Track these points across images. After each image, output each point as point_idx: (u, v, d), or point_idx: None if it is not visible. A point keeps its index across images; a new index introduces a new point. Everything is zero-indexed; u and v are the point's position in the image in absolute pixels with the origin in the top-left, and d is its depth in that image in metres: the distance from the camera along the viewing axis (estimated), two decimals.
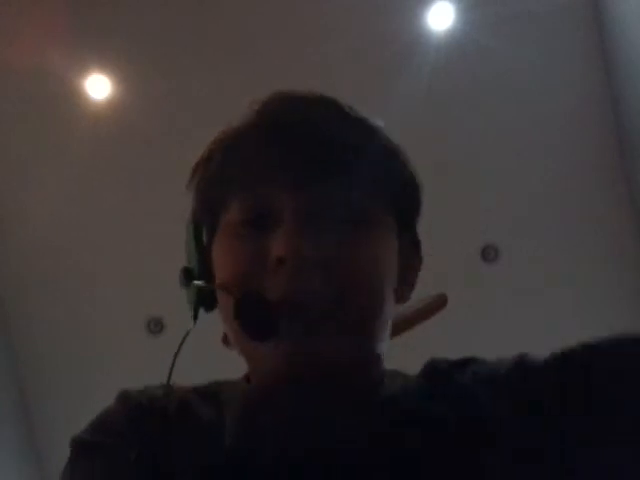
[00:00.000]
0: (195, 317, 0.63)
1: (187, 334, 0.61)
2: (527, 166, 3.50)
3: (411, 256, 0.65)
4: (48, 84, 3.25)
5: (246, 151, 0.60)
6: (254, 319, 0.55)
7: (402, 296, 0.64)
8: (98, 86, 3.30)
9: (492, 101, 3.43)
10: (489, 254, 3.59)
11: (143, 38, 3.31)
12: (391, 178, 0.62)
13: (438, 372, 0.65)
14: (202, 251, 0.63)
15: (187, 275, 0.63)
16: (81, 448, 0.64)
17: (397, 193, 0.62)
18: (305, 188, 0.56)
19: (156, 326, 3.56)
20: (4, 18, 3.14)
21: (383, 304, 0.59)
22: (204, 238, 0.64)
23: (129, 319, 3.54)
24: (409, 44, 3.28)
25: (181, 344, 0.61)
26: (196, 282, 0.62)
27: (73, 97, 3.30)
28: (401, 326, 2.98)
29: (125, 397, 0.66)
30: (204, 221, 0.63)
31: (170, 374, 0.61)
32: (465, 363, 0.66)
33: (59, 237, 3.48)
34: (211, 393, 0.65)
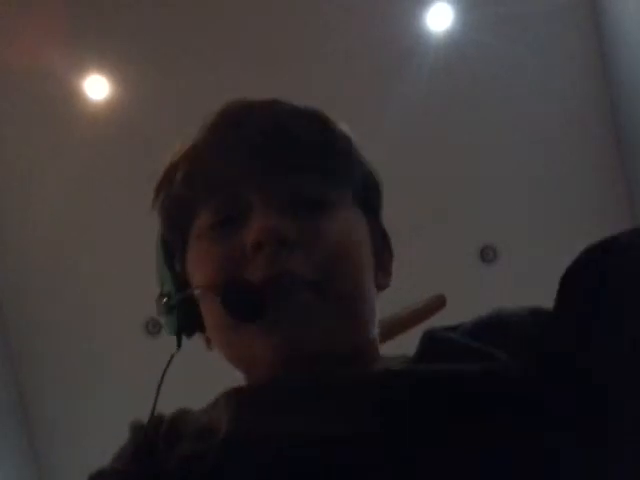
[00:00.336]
0: (179, 342, 0.64)
1: (171, 359, 0.62)
2: (526, 166, 3.50)
3: (383, 244, 0.66)
4: (47, 85, 3.25)
5: (206, 160, 0.61)
6: (242, 302, 0.55)
7: (380, 282, 0.63)
8: (96, 87, 3.30)
9: (491, 102, 3.43)
10: (488, 255, 3.59)
11: (142, 39, 3.31)
12: (351, 167, 0.63)
13: (437, 339, 0.64)
14: (175, 270, 0.63)
15: (164, 299, 0.64)
16: (95, 476, 0.67)
17: (357, 182, 0.62)
18: (269, 182, 0.57)
19: (154, 327, 3.56)
20: (4, 19, 3.14)
21: (364, 282, 0.59)
22: (174, 256, 0.64)
23: (128, 320, 3.54)
24: (408, 45, 3.28)
25: (166, 369, 0.62)
26: (176, 296, 0.62)
27: (72, 98, 3.30)
28: (399, 327, 2.98)
29: (132, 427, 0.69)
30: (173, 239, 0.63)
31: (158, 392, 0.61)
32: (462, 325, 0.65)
33: (58, 237, 3.48)
34: (205, 408, 0.64)
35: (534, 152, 3.49)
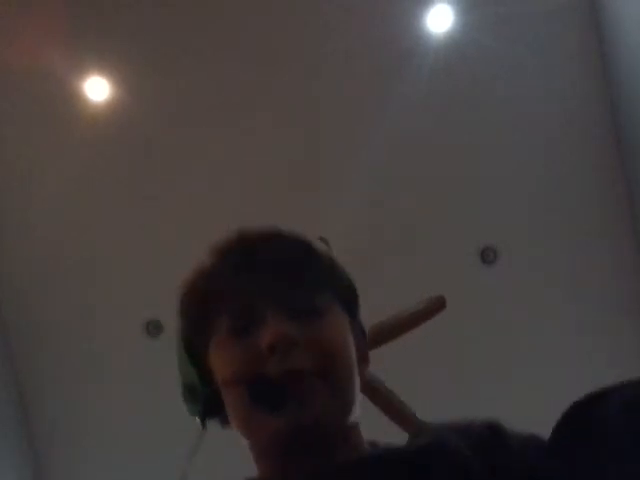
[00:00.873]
0: (204, 425, 0.77)
1: (199, 439, 0.74)
2: (526, 166, 3.51)
3: (362, 339, 0.83)
4: (47, 86, 3.26)
5: (226, 279, 0.77)
6: (266, 394, 0.70)
7: (362, 370, 0.79)
8: (97, 88, 3.30)
9: (491, 102, 3.43)
10: (488, 256, 3.59)
11: (142, 39, 3.31)
12: (335, 280, 0.80)
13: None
14: (197, 365, 0.77)
15: (190, 390, 0.78)
16: None
17: (341, 291, 0.80)
18: (276, 296, 0.74)
19: (155, 328, 3.56)
20: (4, 19, 3.14)
21: (354, 373, 0.76)
22: (196, 353, 0.78)
23: (128, 321, 3.54)
24: (409, 46, 3.28)
25: (195, 448, 0.73)
26: (202, 389, 0.76)
27: (72, 99, 3.31)
28: (400, 329, 2.98)
29: None
30: (195, 338, 0.78)
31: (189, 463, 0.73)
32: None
33: (58, 237, 3.48)
34: None
35: (534, 152, 3.49)
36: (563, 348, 3.52)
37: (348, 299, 0.81)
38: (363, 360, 0.80)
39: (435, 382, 3.52)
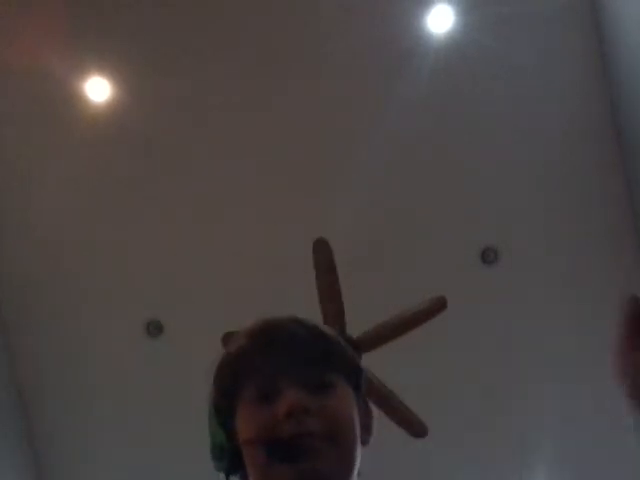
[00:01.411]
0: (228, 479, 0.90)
1: None
2: (527, 167, 3.51)
3: (365, 411, 0.95)
4: (48, 86, 3.26)
5: (252, 358, 0.91)
6: (280, 453, 0.84)
7: (364, 439, 0.92)
8: (98, 89, 3.30)
9: (491, 102, 3.43)
10: (489, 256, 3.59)
11: (142, 40, 3.31)
12: (342, 360, 0.95)
13: None
14: (225, 427, 0.91)
15: (218, 449, 0.92)
16: None
17: (347, 369, 0.94)
18: (293, 373, 0.89)
19: (155, 328, 3.56)
20: (4, 19, 3.14)
21: (357, 440, 0.88)
22: (224, 417, 0.92)
23: (128, 321, 3.54)
24: (409, 46, 3.28)
25: None
26: (229, 448, 0.89)
27: (73, 99, 3.31)
28: (401, 329, 2.98)
29: None
30: (224, 405, 0.92)
31: None
32: None
33: (58, 238, 3.48)
34: None
35: (534, 152, 3.49)
36: (563, 348, 3.52)
37: (353, 376, 0.96)
38: (366, 430, 0.94)
39: (435, 382, 3.52)
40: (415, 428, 2.96)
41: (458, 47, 3.28)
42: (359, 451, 0.90)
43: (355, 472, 0.89)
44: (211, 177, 3.43)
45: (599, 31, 3.36)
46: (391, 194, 3.50)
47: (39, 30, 3.07)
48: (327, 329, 1.00)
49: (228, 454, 0.91)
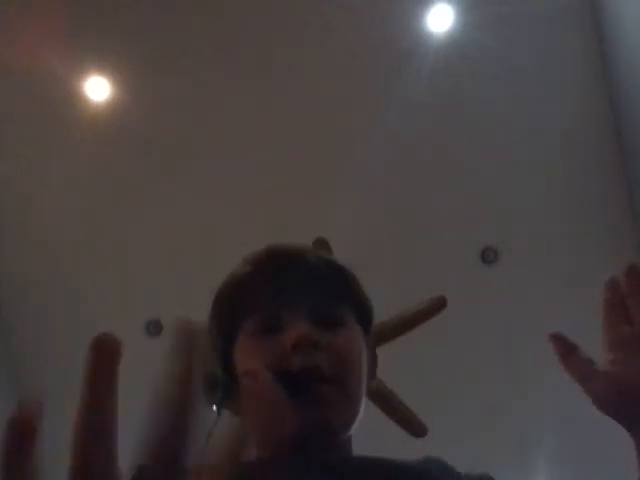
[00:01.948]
0: (220, 413, 0.83)
1: (215, 424, 0.74)
2: (527, 167, 3.51)
3: (372, 355, 0.91)
4: (48, 86, 3.26)
5: (257, 286, 0.85)
6: (285, 385, 0.78)
7: (369, 383, 0.87)
8: (97, 88, 3.30)
9: (491, 102, 3.43)
10: (489, 256, 3.59)
11: (142, 40, 3.31)
12: (355, 297, 0.89)
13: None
14: (220, 356, 0.85)
15: (211, 379, 0.85)
16: None
17: (360, 308, 0.89)
18: (303, 305, 0.83)
19: (155, 328, 3.56)
20: (4, 19, 3.14)
21: (363, 382, 0.84)
22: (222, 346, 0.86)
23: (128, 321, 3.54)
24: (409, 46, 3.28)
25: (210, 433, 0.72)
26: (223, 379, 0.83)
27: (73, 99, 3.31)
28: (400, 328, 2.98)
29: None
30: (223, 334, 0.86)
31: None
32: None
33: (58, 238, 3.48)
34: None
35: (534, 152, 3.49)
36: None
37: (365, 316, 0.90)
38: (371, 375, 0.89)
39: (435, 382, 3.52)
40: (415, 428, 2.96)
41: (458, 47, 3.28)
42: (363, 398, 0.84)
43: (356, 422, 0.83)
44: (211, 177, 3.43)
45: (599, 31, 3.36)
46: (391, 194, 3.50)
47: (38, 30, 3.07)
48: (342, 260, 0.92)
49: (222, 386, 0.84)
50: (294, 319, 0.81)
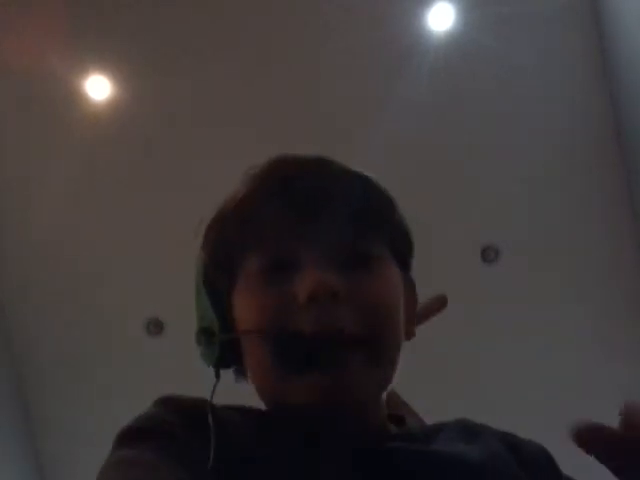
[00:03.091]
0: (218, 374, 0.66)
1: (214, 389, 0.63)
2: (527, 166, 3.50)
3: (412, 298, 0.71)
4: (48, 85, 3.25)
5: (260, 209, 0.65)
6: (292, 353, 0.58)
7: (408, 331, 0.68)
8: (98, 87, 3.30)
9: (492, 101, 3.43)
10: (489, 255, 3.59)
11: (143, 39, 3.31)
12: (388, 223, 0.68)
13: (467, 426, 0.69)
14: (218, 306, 0.66)
15: (206, 333, 0.66)
16: (135, 433, 0.58)
17: (394, 236, 0.68)
18: (318, 235, 0.62)
19: (155, 327, 3.56)
20: (4, 19, 3.14)
21: (401, 341, 0.65)
22: (218, 293, 0.67)
23: (128, 320, 3.54)
24: (409, 45, 3.28)
25: (212, 395, 0.62)
26: (221, 335, 0.65)
27: (73, 98, 3.30)
28: None
29: (168, 400, 0.64)
30: (218, 277, 0.67)
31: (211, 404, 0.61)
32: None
33: (58, 238, 3.48)
34: (236, 409, 0.65)
35: (534, 151, 3.48)
36: (564, 348, 3.51)
37: (403, 249, 0.70)
38: (410, 322, 0.69)
39: (435, 381, 3.52)
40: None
41: (459, 46, 3.28)
42: (400, 355, 0.66)
43: (390, 386, 0.65)
44: (211, 177, 3.42)
45: (599, 27, 3.36)
46: (391, 194, 3.50)
47: (39, 29, 3.07)
48: (377, 180, 0.70)
49: (220, 343, 0.65)
50: (309, 259, 0.61)
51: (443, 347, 3.50)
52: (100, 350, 3.54)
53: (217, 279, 0.68)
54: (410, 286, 0.71)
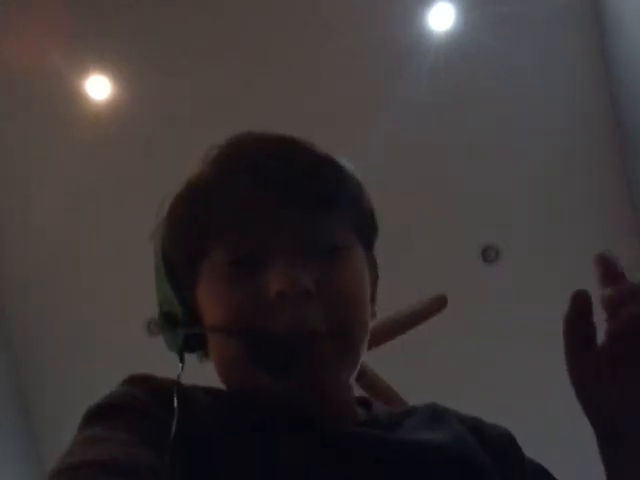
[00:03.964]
0: (182, 361, 0.64)
1: (178, 377, 0.61)
2: (527, 166, 3.50)
3: (373, 272, 0.70)
4: (48, 85, 3.25)
5: (227, 197, 0.61)
6: (269, 354, 0.57)
7: (372, 312, 0.68)
8: (98, 87, 3.30)
9: (492, 101, 3.43)
10: (489, 255, 3.59)
11: (143, 39, 3.31)
12: (356, 208, 0.67)
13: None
14: (181, 295, 0.63)
15: (169, 320, 0.64)
16: (101, 410, 0.59)
17: (360, 219, 0.67)
18: (289, 228, 0.60)
19: (156, 327, 3.56)
20: (4, 19, 3.14)
21: (368, 323, 0.65)
22: (181, 282, 0.64)
23: (129, 320, 3.54)
24: (409, 45, 3.28)
25: (178, 376, 0.61)
26: (184, 328, 0.63)
27: (73, 98, 3.30)
28: (400, 327, 2.98)
29: (137, 378, 0.63)
30: (181, 266, 0.64)
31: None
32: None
33: (58, 238, 3.48)
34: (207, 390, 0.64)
35: (534, 151, 3.48)
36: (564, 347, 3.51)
37: (369, 232, 0.69)
38: (372, 302, 0.69)
39: (434, 381, 3.52)
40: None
41: (459, 45, 3.28)
42: (367, 341, 0.65)
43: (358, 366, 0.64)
44: None
45: (600, 30, 3.36)
46: (391, 194, 3.50)
47: (40, 29, 3.07)
48: (344, 161, 0.69)
49: (184, 331, 0.62)
50: (279, 252, 0.58)
51: (443, 347, 3.50)
52: (100, 350, 3.54)
53: (177, 263, 0.64)
54: (372, 264, 0.70)
